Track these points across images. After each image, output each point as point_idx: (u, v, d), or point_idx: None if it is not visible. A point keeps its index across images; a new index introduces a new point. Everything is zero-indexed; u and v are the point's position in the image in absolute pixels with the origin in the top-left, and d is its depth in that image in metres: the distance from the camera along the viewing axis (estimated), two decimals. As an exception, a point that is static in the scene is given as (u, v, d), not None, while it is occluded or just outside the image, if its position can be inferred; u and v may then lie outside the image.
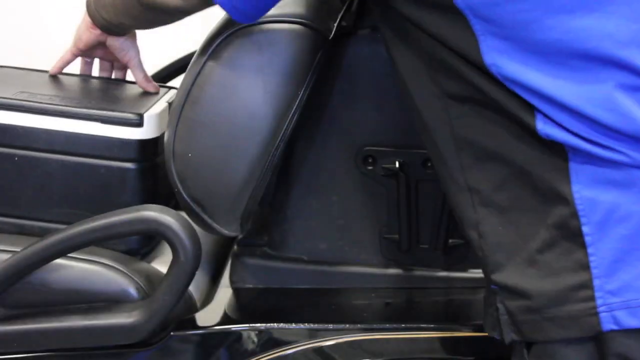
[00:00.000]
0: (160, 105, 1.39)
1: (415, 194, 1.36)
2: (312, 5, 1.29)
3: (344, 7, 1.37)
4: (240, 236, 1.42)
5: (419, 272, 1.41)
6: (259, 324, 1.32)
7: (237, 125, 1.24)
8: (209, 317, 1.35)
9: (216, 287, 1.44)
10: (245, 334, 1.32)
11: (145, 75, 1.43)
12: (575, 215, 0.99)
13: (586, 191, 0.98)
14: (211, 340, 1.34)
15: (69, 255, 1.28)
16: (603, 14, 0.96)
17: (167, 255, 1.30)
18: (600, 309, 0.98)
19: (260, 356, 1.29)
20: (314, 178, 1.39)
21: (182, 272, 1.24)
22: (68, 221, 1.30)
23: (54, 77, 1.47)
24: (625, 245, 0.98)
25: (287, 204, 1.40)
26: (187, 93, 1.24)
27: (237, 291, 1.42)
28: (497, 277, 1.05)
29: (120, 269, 1.31)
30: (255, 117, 1.24)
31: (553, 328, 1.00)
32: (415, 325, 1.32)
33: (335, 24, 1.31)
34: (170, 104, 1.40)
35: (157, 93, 1.43)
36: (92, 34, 1.37)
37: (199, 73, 1.24)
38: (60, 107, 1.34)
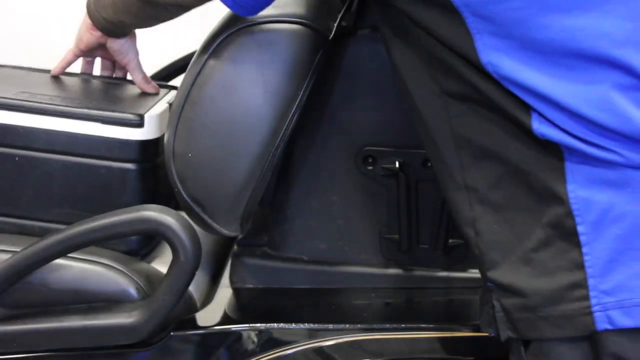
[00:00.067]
0: (161, 105, 1.39)
1: (415, 194, 1.36)
2: (312, 5, 1.29)
3: (344, 7, 1.37)
4: (240, 236, 1.42)
5: (419, 272, 1.41)
6: (259, 324, 1.32)
7: (237, 125, 1.24)
8: (209, 317, 1.35)
9: (216, 287, 1.44)
10: (245, 334, 1.32)
11: (145, 76, 1.43)
12: (570, 214, 0.99)
13: (581, 191, 0.99)
14: (211, 340, 1.34)
15: (69, 255, 1.28)
16: (599, 14, 0.96)
17: (167, 255, 1.30)
18: (595, 308, 0.98)
19: (260, 356, 1.29)
20: (314, 178, 1.39)
21: (182, 272, 1.24)
22: (68, 221, 1.30)
23: (55, 77, 1.47)
24: (620, 245, 0.98)
25: (287, 204, 1.40)
26: (187, 93, 1.25)
27: (237, 291, 1.42)
28: (493, 274, 1.05)
29: (120, 269, 1.31)
30: (256, 117, 1.24)
31: (548, 327, 1.01)
32: (415, 325, 1.32)
33: (335, 24, 1.31)
34: (171, 104, 1.40)
35: (157, 94, 1.43)
36: (93, 36, 1.37)
37: (199, 73, 1.24)
38: (61, 107, 1.34)
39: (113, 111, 1.34)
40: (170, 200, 1.36)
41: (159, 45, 1.73)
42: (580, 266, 0.99)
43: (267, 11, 1.23)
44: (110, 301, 1.29)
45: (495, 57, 0.98)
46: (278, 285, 1.42)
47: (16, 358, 1.31)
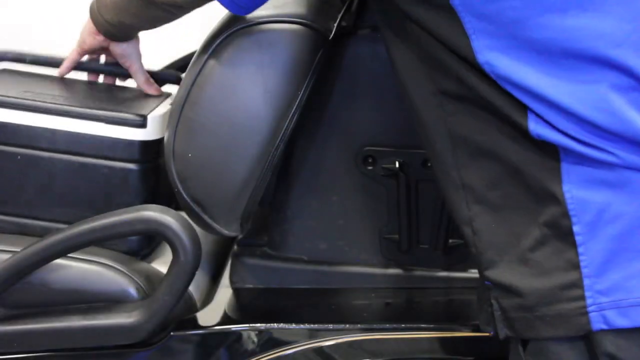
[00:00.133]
0: (163, 107, 1.39)
1: (415, 194, 1.36)
2: (312, 5, 1.29)
3: (344, 7, 1.37)
4: (240, 236, 1.42)
5: (419, 272, 1.41)
6: (259, 324, 1.32)
7: (237, 126, 1.24)
8: (209, 317, 1.35)
9: (216, 287, 1.44)
10: (245, 334, 1.32)
11: (147, 78, 1.44)
12: (566, 214, 0.99)
13: (577, 191, 0.99)
14: (211, 340, 1.34)
15: (69, 255, 1.29)
16: (597, 14, 0.96)
17: (167, 255, 1.30)
18: (590, 308, 0.98)
19: (260, 356, 1.29)
20: (314, 178, 1.39)
21: (182, 272, 1.24)
22: (70, 221, 1.31)
23: (59, 79, 1.48)
24: (616, 246, 0.98)
25: (287, 204, 1.40)
26: (187, 93, 1.25)
27: (237, 291, 1.42)
28: (490, 274, 1.06)
29: (120, 269, 1.31)
30: (255, 117, 1.24)
31: (544, 326, 1.01)
32: (415, 325, 1.32)
33: (335, 24, 1.31)
34: (173, 105, 1.41)
35: (159, 95, 1.44)
36: (96, 40, 1.38)
37: (199, 73, 1.24)
38: (64, 106, 1.34)
39: (116, 111, 1.34)
40: (171, 200, 1.36)
41: (159, 45, 1.73)
42: (575, 266, 0.99)
43: (267, 11, 1.23)
44: (110, 301, 1.29)
45: (492, 57, 0.98)
46: (278, 285, 1.42)
47: (16, 358, 1.31)
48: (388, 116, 1.35)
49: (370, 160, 1.36)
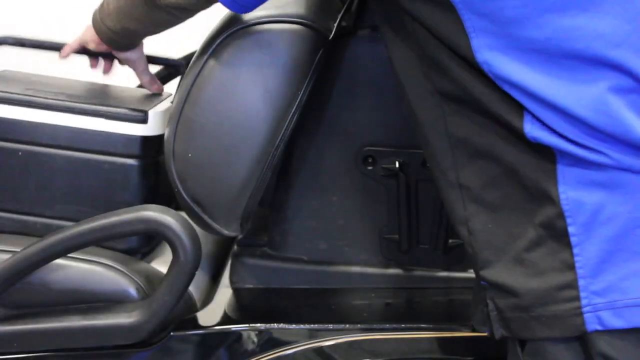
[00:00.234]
0: (164, 103, 1.40)
1: (415, 194, 1.36)
2: (312, 5, 1.29)
3: (344, 7, 1.37)
4: (240, 236, 1.42)
5: (419, 272, 1.41)
6: (259, 324, 1.32)
7: (237, 126, 1.24)
8: (209, 317, 1.35)
9: (216, 287, 1.44)
10: (245, 334, 1.32)
11: (151, 78, 1.45)
12: (561, 215, 0.99)
13: (572, 192, 0.99)
14: (211, 340, 1.34)
15: (69, 255, 1.29)
16: (595, 14, 0.96)
17: (167, 255, 1.30)
18: (585, 309, 0.98)
19: (260, 356, 1.29)
20: (314, 178, 1.39)
21: (182, 272, 1.24)
22: (71, 217, 1.31)
23: (59, 79, 1.48)
24: (611, 246, 0.98)
25: (287, 204, 1.40)
26: (187, 93, 1.25)
27: (237, 291, 1.42)
28: (486, 274, 1.06)
29: (120, 269, 1.31)
30: (255, 117, 1.24)
31: (539, 327, 1.01)
32: (415, 325, 1.32)
33: (335, 24, 1.31)
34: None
35: (161, 93, 1.44)
36: (99, 47, 1.38)
37: (199, 73, 1.24)
38: (65, 102, 1.34)
39: (117, 107, 1.34)
40: (171, 199, 1.36)
41: (159, 45, 1.73)
42: (571, 267, 0.99)
43: (267, 11, 1.23)
44: (110, 301, 1.29)
45: (491, 56, 0.98)
46: (278, 285, 1.42)
47: (16, 358, 1.31)
48: (388, 116, 1.35)
49: (370, 160, 1.36)
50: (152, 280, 1.32)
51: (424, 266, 1.41)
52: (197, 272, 1.25)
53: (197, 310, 1.36)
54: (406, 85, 1.10)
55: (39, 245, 1.26)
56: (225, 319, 1.36)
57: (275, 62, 1.23)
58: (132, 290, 1.30)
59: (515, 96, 0.98)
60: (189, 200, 1.27)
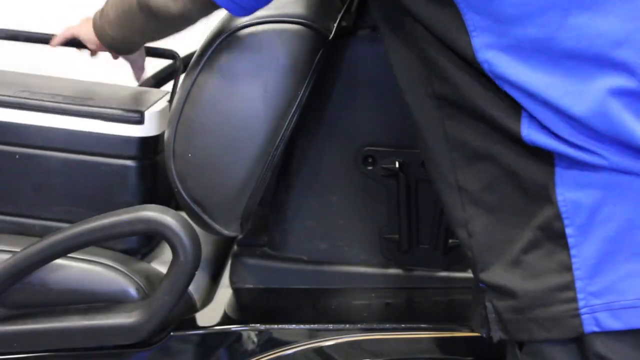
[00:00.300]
0: (161, 103, 1.40)
1: (415, 194, 1.36)
2: (312, 5, 1.29)
3: (344, 7, 1.37)
4: (240, 236, 1.42)
5: (419, 272, 1.41)
6: (259, 324, 1.32)
7: (237, 126, 1.24)
8: (209, 317, 1.35)
9: (216, 287, 1.44)
10: (245, 334, 1.32)
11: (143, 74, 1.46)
12: (558, 217, 0.99)
13: (570, 193, 0.98)
14: (211, 340, 1.34)
15: (69, 255, 1.29)
16: (598, 13, 0.95)
17: (167, 255, 1.30)
18: (582, 310, 0.98)
19: (260, 356, 1.29)
20: (314, 178, 1.39)
21: (182, 272, 1.24)
22: (69, 219, 1.31)
23: (55, 79, 1.48)
24: (608, 247, 0.98)
25: (287, 204, 1.40)
26: (187, 93, 1.25)
27: (237, 291, 1.42)
28: (485, 276, 1.06)
29: (120, 269, 1.31)
30: (255, 117, 1.24)
31: (537, 329, 1.00)
32: (415, 325, 1.32)
33: (335, 24, 1.31)
34: (170, 102, 1.41)
35: (157, 92, 1.44)
36: (100, 49, 1.38)
37: (199, 73, 1.24)
38: (61, 104, 1.34)
39: (113, 108, 1.34)
40: (170, 199, 1.36)
41: (159, 45, 1.73)
42: (568, 268, 0.99)
43: (267, 11, 1.23)
44: (110, 301, 1.29)
45: (491, 55, 0.98)
46: (278, 285, 1.42)
47: (16, 358, 1.31)
48: (388, 116, 1.35)
49: (370, 160, 1.36)
50: (152, 280, 1.32)
51: (424, 266, 1.41)
52: (197, 272, 1.25)
53: (197, 310, 1.36)
54: (404, 89, 1.10)
55: (39, 245, 1.26)
56: (225, 319, 1.36)
57: (275, 62, 1.23)
58: (132, 290, 1.30)
59: (515, 96, 0.98)
60: (189, 200, 1.27)
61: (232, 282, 1.43)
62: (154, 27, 1.25)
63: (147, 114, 1.34)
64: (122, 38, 1.31)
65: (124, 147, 1.33)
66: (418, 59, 1.06)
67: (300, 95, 1.25)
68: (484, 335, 1.07)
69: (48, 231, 1.31)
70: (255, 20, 1.23)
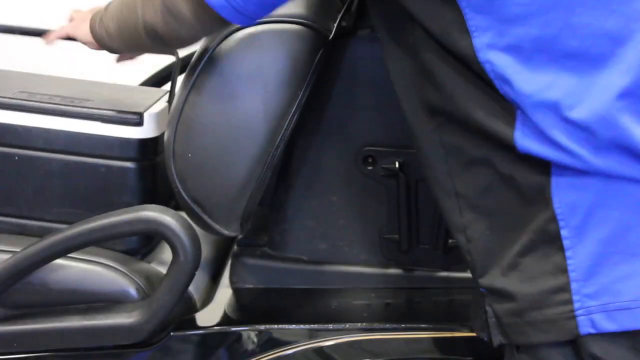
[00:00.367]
0: (159, 104, 1.39)
1: (415, 194, 1.36)
2: (312, 5, 1.29)
3: (344, 7, 1.37)
4: (240, 236, 1.42)
5: (419, 272, 1.41)
6: (259, 324, 1.32)
7: (237, 126, 1.24)
8: (209, 317, 1.35)
9: (216, 287, 1.44)
10: (245, 334, 1.32)
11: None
12: (554, 219, 0.99)
13: (565, 196, 0.98)
14: (211, 340, 1.34)
15: (69, 255, 1.29)
16: (602, 12, 0.95)
17: (167, 255, 1.30)
18: (578, 312, 0.98)
19: (260, 356, 1.29)
20: (314, 178, 1.39)
21: (182, 272, 1.24)
22: (68, 221, 1.31)
23: (54, 79, 1.48)
24: (603, 249, 0.98)
25: (287, 204, 1.40)
26: (187, 93, 1.24)
27: (237, 291, 1.42)
28: (484, 280, 1.06)
29: (120, 269, 1.31)
30: (255, 117, 1.24)
31: (534, 332, 1.00)
32: (415, 325, 1.32)
33: (335, 24, 1.31)
34: (169, 103, 1.40)
35: (156, 91, 1.44)
36: (97, 49, 1.37)
37: (199, 73, 1.24)
38: (60, 106, 1.34)
39: (112, 110, 1.34)
40: (170, 199, 1.36)
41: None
42: (563, 270, 0.99)
43: (267, 11, 1.23)
44: (110, 301, 1.29)
45: (493, 55, 0.97)
46: (278, 285, 1.42)
47: (16, 358, 1.31)
48: (388, 116, 1.35)
49: (370, 160, 1.36)
50: (152, 280, 1.32)
51: (424, 266, 1.41)
52: (197, 272, 1.25)
53: (197, 310, 1.36)
54: (400, 96, 1.10)
55: (39, 245, 1.26)
56: (225, 319, 1.36)
57: (275, 62, 1.23)
58: (132, 290, 1.30)
59: (514, 98, 0.97)
60: (188, 201, 1.27)
61: (232, 282, 1.43)
62: (160, 48, 1.25)
63: (146, 116, 1.34)
64: (123, 49, 1.30)
65: (123, 149, 1.33)
66: (414, 68, 1.06)
67: (300, 95, 1.25)
68: (485, 339, 1.07)
69: (48, 233, 1.31)
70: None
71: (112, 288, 1.30)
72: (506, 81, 0.97)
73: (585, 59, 0.96)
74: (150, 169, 1.36)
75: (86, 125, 1.33)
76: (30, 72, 1.53)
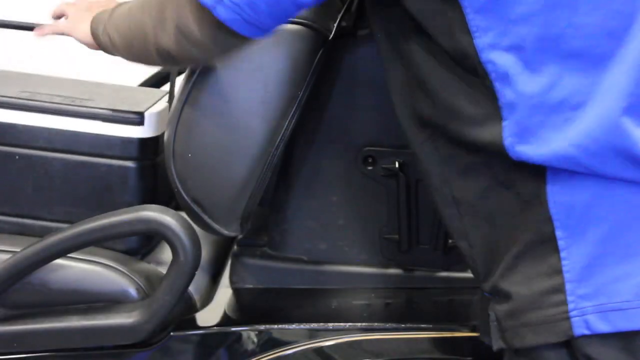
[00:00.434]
0: (160, 104, 1.39)
1: (415, 194, 1.36)
2: (312, 5, 1.29)
3: (344, 7, 1.37)
4: (240, 236, 1.42)
5: (419, 272, 1.41)
6: (259, 324, 1.32)
7: (237, 126, 1.24)
8: (209, 317, 1.35)
9: (216, 287, 1.44)
10: (245, 334, 1.32)
11: None
12: (549, 219, 0.99)
13: (560, 197, 0.98)
14: (211, 340, 1.34)
15: (69, 255, 1.29)
16: (607, 12, 0.95)
17: (167, 255, 1.30)
18: (572, 313, 0.98)
19: (260, 356, 1.29)
20: (314, 178, 1.39)
21: (182, 272, 1.24)
22: (69, 220, 1.31)
23: (54, 79, 1.48)
24: (598, 250, 0.98)
25: (287, 204, 1.40)
26: (187, 93, 1.24)
27: (237, 291, 1.42)
28: (487, 284, 1.06)
29: (120, 269, 1.31)
30: (255, 117, 1.24)
31: (529, 334, 1.00)
32: (415, 325, 1.32)
33: (335, 24, 1.31)
34: (169, 103, 1.41)
35: (157, 92, 1.44)
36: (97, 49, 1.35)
37: (199, 73, 1.24)
38: (62, 105, 1.34)
39: (113, 109, 1.34)
40: (171, 199, 1.36)
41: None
42: (558, 271, 0.99)
43: (267, 11, 1.23)
44: (110, 301, 1.29)
45: (495, 55, 0.97)
46: (278, 285, 1.42)
47: (16, 358, 1.31)
48: (388, 116, 1.34)
49: (370, 160, 1.36)
50: (152, 280, 1.32)
51: (424, 266, 1.41)
52: (197, 272, 1.25)
53: (197, 311, 1.36)
54: (396, 106, 1.11)
55: (38, 245, 1.26)
56: (225, 319, 1.36)
57: (275, 62, 1.23)
58: (132, 290, 1.30)
59: (514, 99, 0.97)
60: (188, 200, 1.27)
61: (232, 282, 1.43)
62: (171, 65, 1.24)
63: (147, 115, 1.34)
64: (129, 59, 1.27)
65: (124, 148, 1.33)
66: (408, 82, 1.07)
67: (300, 95, 1.25)
68: (488, 343, 1.07)
69: (48, 232, 1.31)
70: (255, 21, 1.23)
71: (112, 288, 1.30)
72: (508, 82, 0.97)
73: (588, 59, 0.95)
74: (151, 169, 1.36)
75: (87, 124, 1.33)
76: (30, 72, 1.53)
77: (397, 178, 1.35)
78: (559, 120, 0.96)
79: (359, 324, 1.33)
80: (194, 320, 1.34)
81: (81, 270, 1.30)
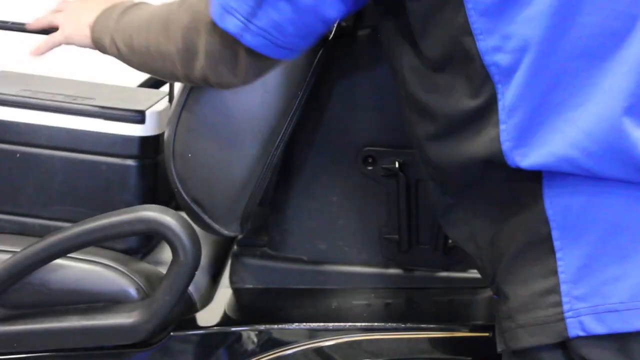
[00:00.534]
0: (162, 103, 1.40)
1: (415, 194, 1.36)
2: (312, 5, 1.29)
3: (344, 7, 1.37)
4: (240, 236, 1.42)
5: (419, 272, 1.41)
6: (259, 324, 1.32)
7: (237, 126, 1.24)
8: (209, 317, 1.35)
9: (216, 287, 1.44)
10: (245, 334, 1.32)
11: None
12: (545, 221, 0.99)
13: (557, 198, 0.98)
14: (211, 340, 1.34)
15: (69, 255, 1.29)
16: (611, 12, 0.95)
17: (167, 255, 1.30)
18: (567, 314, 0.97)
19: (260, 356, 1.29)
20: (314, 178, 1.39)
21: (182, 272, 1.24)
22: (69, 218, 1.31)
23: (55, 79, 1.48)
24: (594, 251, 0.98)
25: (287, 204, 1.40)
26: (187, 93, 1.25)
27: (237, 291, 1.42)
28: (493, 286, 1.07)
29: (120, 269, 1.31)
30: (255, 117, 1.24)
31: (524, 335, 1.00)
32: (415, 325, 1.32)
33: (335, 24, 1.31)
34: (170, 103, 1.41)
35: (157, 92, 1.44)
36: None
37: (199, 73, 1.24)
38: (62, 103, 1.34)
39: (114, 107, 1.34)
40: (171, 199, 1.36)
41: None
42: (553, 272, 0.98)
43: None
44: (110, 301, 1.29)
45: (499, 57, 0.96)
46: (278, 285, 1.42)
47: (16, 358, 1.31)
48: (388, 116, 1.35)
49: (370, 160, 1.36)
50: (152, 280, 1.32)
51: (424, 266, 1.41)
52: (197, 272, 1.25)
53: (197, 310, 1.36)
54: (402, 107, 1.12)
55: (38, 245, 1.26)
56: (225, 319, 1.36)
57: (275, 62, 1.23)
58: (132, 290, 1.30)
59: (514, 100, 0.97)
60: (188, 200, 1.27)
61: (232, 282, 1.43)
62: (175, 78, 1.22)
63: (148, 114, 1.34)
64: (142, 71, 1.28)
65: (125, 146, 1.33)
66: (408, 105, 1.07)
67: (300, 95, 1.25)
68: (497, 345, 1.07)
69: (48, 230, 1.31)
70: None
71: (112, 288, 1.30)
72: (509, 83, 0.97)
73: (590, 59, 0.95)
74: (152, 167, 1.36)
75: (88, 122, 1.33)
76: (31, 73, 1.53)
77: (397, 178, 1.35)
78: (559, 120, 0.96)
79: (359, 324, 1.33)
80: (194, 320, 1.34)
81: (81, 270, 1.30)
